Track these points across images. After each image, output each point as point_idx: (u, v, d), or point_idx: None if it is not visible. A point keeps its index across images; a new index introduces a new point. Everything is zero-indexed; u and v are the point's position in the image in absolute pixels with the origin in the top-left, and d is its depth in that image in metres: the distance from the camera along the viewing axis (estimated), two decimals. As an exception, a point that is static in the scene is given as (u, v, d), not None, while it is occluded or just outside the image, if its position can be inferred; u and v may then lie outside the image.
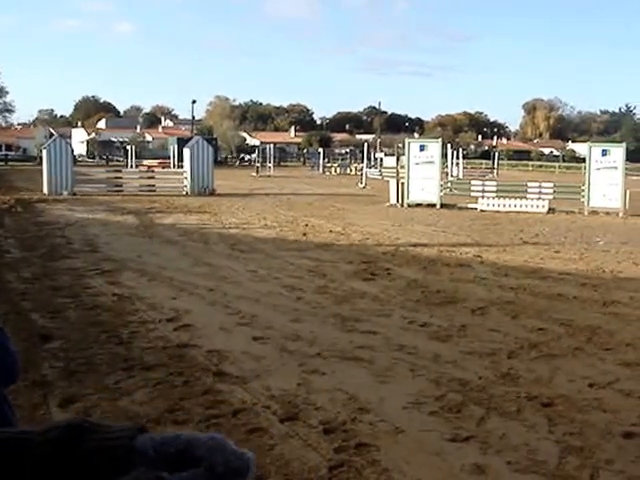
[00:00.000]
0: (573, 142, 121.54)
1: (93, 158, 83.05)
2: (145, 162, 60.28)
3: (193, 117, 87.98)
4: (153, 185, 33.72)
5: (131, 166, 53.39)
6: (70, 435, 0.92)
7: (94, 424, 0.94)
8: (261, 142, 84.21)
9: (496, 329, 9.50)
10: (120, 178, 35.16)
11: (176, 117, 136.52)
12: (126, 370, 7.42)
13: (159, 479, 0.87)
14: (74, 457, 0.90)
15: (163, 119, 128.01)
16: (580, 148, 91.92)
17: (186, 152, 34.36)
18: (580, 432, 6.05)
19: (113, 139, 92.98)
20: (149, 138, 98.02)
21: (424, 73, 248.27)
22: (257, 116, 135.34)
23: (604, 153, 28.49)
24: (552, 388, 7.20)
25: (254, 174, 54.35)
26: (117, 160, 74.70)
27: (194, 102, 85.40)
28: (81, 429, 0.93)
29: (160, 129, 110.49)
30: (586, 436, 5.97)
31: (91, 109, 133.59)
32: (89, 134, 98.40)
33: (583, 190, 28.82)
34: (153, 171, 40.25)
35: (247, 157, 79.71)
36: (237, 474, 0.91)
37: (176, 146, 54.52)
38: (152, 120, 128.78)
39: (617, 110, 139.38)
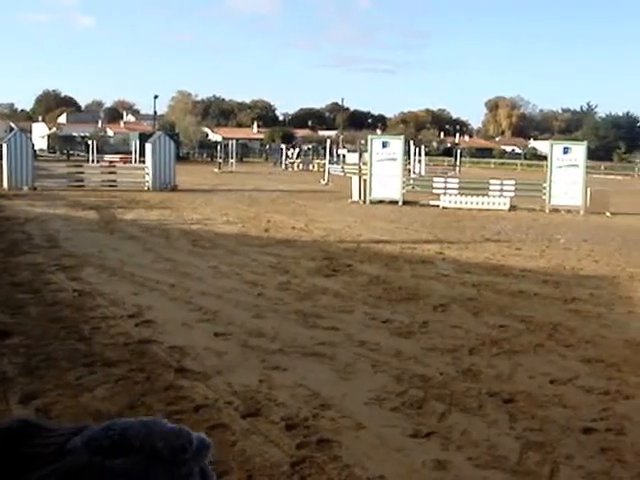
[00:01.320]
0: (535, 140, 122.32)
1: (54, 153, 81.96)
2: (106, 157, 59.75)
3: (155, 112, 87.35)
4: (114, 180, 33.41)
5: (92, 161, 52.83)
6: (6, 440, 0.87)
7: (37, 427, 0.90)
8: (223, 138, 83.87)
9: (458, 325, 9.56)
10: (81, 173, 34.78)
11: (138, 112, 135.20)
12: (87, 366, 7.35)
13: (92, 464, 0.83)
14: (5, 464, 0.85)
15: (125, 114, 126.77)
16: (542, 146, 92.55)
17: (148, 147, 34.08)
18: (540, 428, 6.11)
19: (74, 134, 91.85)
20: (110, 133, 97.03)
21: (387, 70, 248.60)
22: (219, 112, 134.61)
23: (565, 151, 28.78)
24: (513, 384, 7.26)
25: (216, 170, 54.14)
26: (78, 155, 73.83)
27: (156, 97, 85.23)
28: (20, 433, 0.88)
29: (122, 124, 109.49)
30: (546, 432, 6.03)
31: (52, 103, 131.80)
32: (50, 129, 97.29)
33: (544, 188, 29.06)
34: (114, 166, 39.94)
35: (289, 152, 75.42)
36: (182, 451, 0.87)
37: (138, 141, 54.04)
38: (114, 115, 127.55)
39: (578, 109, 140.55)
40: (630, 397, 7.00)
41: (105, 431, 0.86)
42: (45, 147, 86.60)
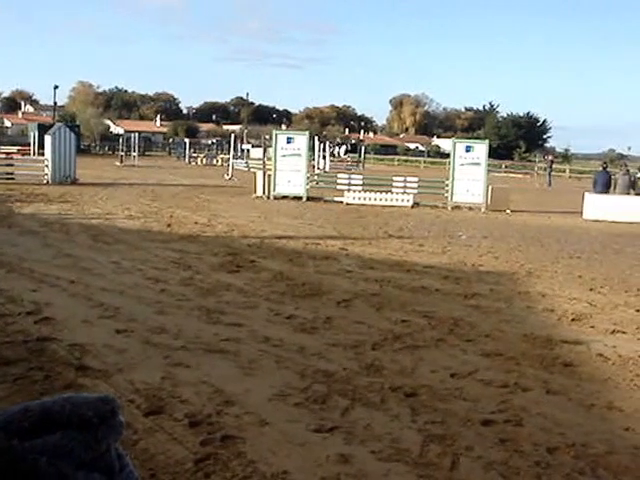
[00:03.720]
0: (438, 138, 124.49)
1: (-53, 144, 79.62)
2: (3, 149, 58.18)
3: (55, 103, 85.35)
4: (12, 173, 32.47)
5: (-12, 153, 51.54)
6: None
7: None
8: (125, 130, 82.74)
9: (361, 321, 9.63)
10: (-24, 165, 33.81)
11: (37, 103, 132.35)
12: (-18, 365, 7.15)
13: (11, 447, 0.81)
14: None
15: (23, 104, 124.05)
16: (445, 144, 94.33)
17: (47, 139, 33.27)
18: (442, 421, 6.21)
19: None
20: (8, 124, 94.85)
21: (293, 65, 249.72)
22: (122, 104, 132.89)
23: (468, 149, 29.24)
24: (415, 379, 7.36)
25: (118, 163, 53.37)
26: (-26, 146, 71.96)
27: (56, 88, 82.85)
28: None
29: (20, 115, 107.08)
30: (447, 424, 6.13)
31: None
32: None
33: (447, 185, 29.50)
34: (12, 158, 38.84)
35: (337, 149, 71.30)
36: (112, 415, 0.88)
37: (37, 133, 52.95)
38: (11, 105, 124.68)
39: (481, 108, 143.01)
40: (527, 389, 7.19)
41: (23, 413, 0.84)
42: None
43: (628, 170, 30.71)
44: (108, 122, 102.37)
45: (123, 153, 56.70)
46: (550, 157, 63.51)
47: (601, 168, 31.58)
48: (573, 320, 10.37)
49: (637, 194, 29.12)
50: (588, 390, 7.30)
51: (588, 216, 26.89)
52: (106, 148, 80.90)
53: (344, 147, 73.92)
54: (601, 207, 27.11)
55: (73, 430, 0.84)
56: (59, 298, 10.27)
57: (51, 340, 8.19)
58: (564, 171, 76.45)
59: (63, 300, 10.17)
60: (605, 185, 29.25)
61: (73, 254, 13.85)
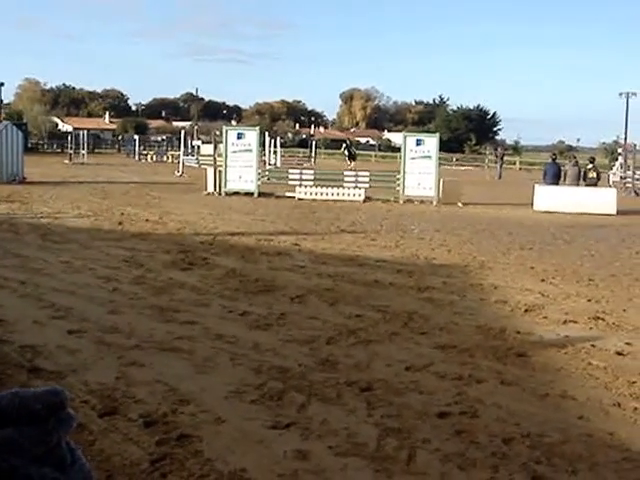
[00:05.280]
0: (389, 132, 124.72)
1: None
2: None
3: (1, 101, 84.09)
4: (-42, 173, 32.05)
5: None
6: None
7: None
8: (74, 128, 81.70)
9: (315, 316, 9.63)
10: None
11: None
12: None
13: None
14: None
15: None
16: (396, 137, 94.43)
17: (-6, 138, 32.89)
18: (398, 414, 6.23)
19: None
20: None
21: (243, 60, 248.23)
22: (70, 101, 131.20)
23: (419, 143, 29.32)
24: (370, 373, 7.37)
25: (67, 161, 52.73)
26: None
27: (1, 85, 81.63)
28: None
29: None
30: (404, 418, 6.16)
31: None
32: None
33: (398, 179, 29.59)
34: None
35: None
36: (62, 407, 0.88)
37: (-17, 132, 52.16)
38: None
39: (431, 101, 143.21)
40: (482, 381, 7.24)
41: None
42: None
43: (577, 162, 31.10)
44: (56, 119, 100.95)
45: (72, 151, 56.02)
46: (501, 150, 63.85)
47: (550, 160, 31.88)
48: (526, 311, 10.47)
49: (586, 185, 29.56)
50: (542, 380, 7.38)
51: (539, 207, 27.15)
52: (54, 146, 79.91)
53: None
54: (551, 198, 27.40)
55: (24, 424, 0.84)
56: (9, 299, 10.13)
57: (2, 342, 8.07)
58: (514, 163, 77.07)
59: (13, 301, 10.03)
60: (555, 176, 29.56)
61: (22, 254, 13.66)
